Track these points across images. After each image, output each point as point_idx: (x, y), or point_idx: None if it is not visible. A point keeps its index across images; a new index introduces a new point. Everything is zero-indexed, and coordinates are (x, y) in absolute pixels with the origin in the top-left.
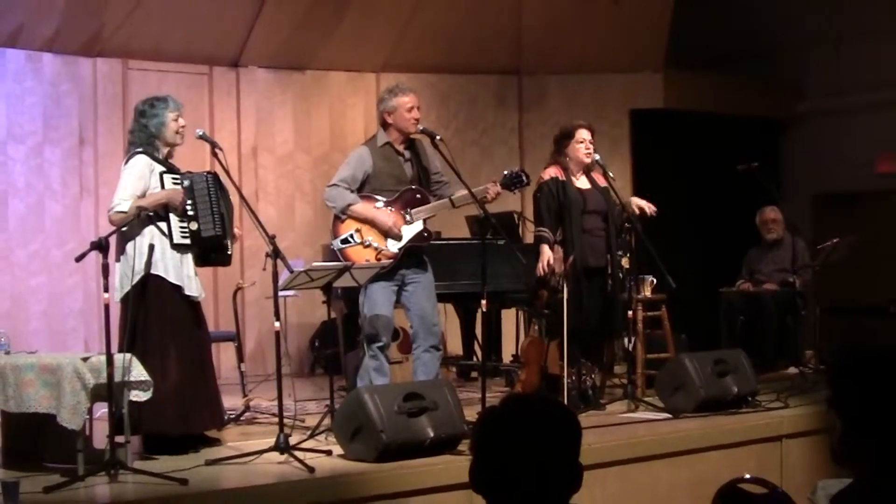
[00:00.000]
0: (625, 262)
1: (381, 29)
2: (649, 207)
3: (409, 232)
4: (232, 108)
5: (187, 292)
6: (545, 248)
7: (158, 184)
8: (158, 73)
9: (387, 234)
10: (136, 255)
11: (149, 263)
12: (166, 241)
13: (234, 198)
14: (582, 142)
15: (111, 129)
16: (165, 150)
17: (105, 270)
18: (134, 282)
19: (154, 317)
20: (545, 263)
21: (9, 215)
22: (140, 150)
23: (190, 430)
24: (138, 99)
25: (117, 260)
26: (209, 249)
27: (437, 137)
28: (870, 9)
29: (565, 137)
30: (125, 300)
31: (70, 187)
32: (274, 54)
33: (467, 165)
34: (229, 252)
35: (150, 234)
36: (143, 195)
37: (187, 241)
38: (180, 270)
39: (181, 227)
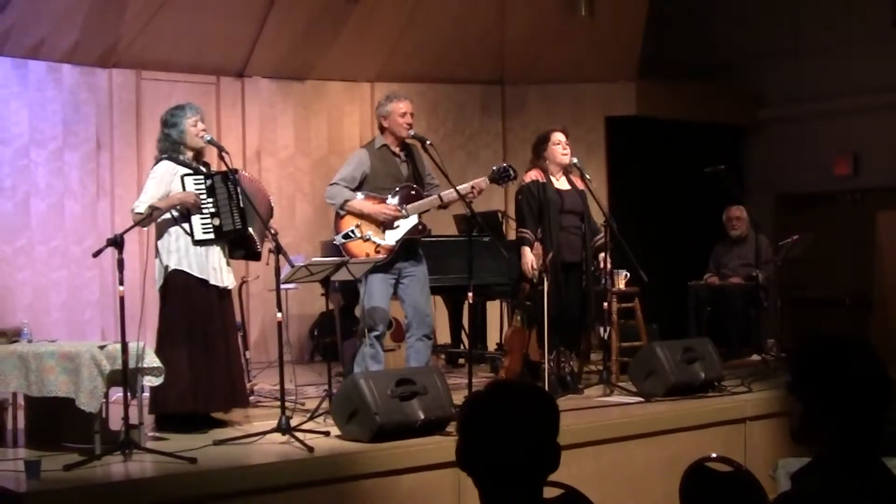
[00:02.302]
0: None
1: (375, 42)
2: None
3: (405, 225)
4: (237, 115)
5: (213, 282)
6: (526, 251)
7: (180, 186)
8: (169, 82)
9: (384, 223)
10: (165, 253)
11: (167, 269)
12: (189, 239)
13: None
14: (558, 143)
15: (126, 135)
16: (191, 154)
17: (120, 265)
18: (164, 277)
19: (182, 307)
20: (529, 265)
21: (31, 214)
22: (165, 156)
23: (215, 408)
24: (150, 106)
25: (156, 256)
26: (235, 244)
27: (428, 142)
28: (826, 24)
29: (542, 143)
30: (160, 291)
31: (88, 188)
32: (276, 66)
33: (455, 168)
34: (259, 249)
35: (175, 233)
36: (166, 197)
37: (210, 236)
38: (204, 264)
39: (203, 224)
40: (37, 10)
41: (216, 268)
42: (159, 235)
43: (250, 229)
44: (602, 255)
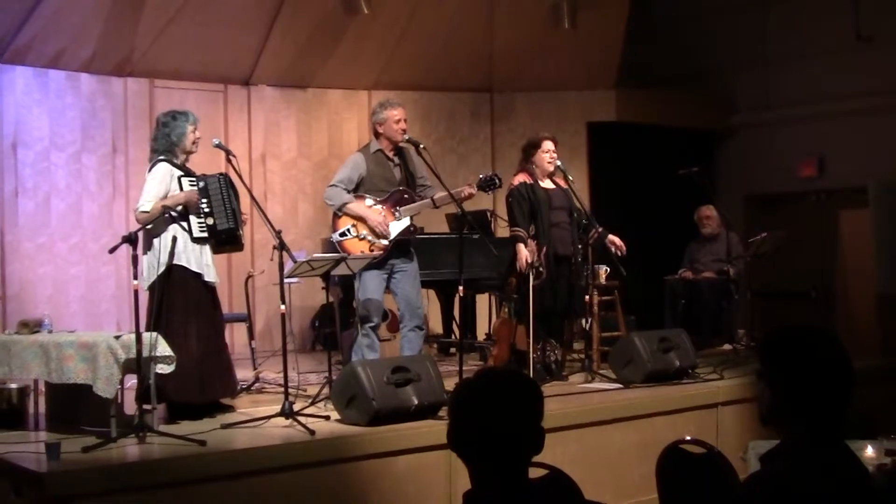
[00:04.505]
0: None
1: (372, 53)
2: (621, 248)
3: (398, 226)
4: (244, 120)
5: (206, 279)
6: (521, 248)
7: (177, 187)
8: (180, 90)
9: (376, 230)
10: (162, 249)
11: (172, 254)
12: (187, 236)
13: (245, 197)
14: (547, 152)
15: (140, 140)
16: (183, 157)
17: (134, 261)
18: (160, 272)
19: (179, 300)
20: (523, 261)
21: (51, 213)
22: (162, 157)
23: (209, 398)
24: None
25: (144, 253)
26: (224, 241)
27: (421, 146)
28: (792, 36)
29: (533, 147)
30: (152, 288)
31: (104, 189)
32: (280, 75)
33: (447, 170)
34: (242, 238)
35: (172, 230)
36: (165, 197)
37: (205, 235)
38: (200, 260)
39: (199, 223)
40: (57, 23)
41: (208, 265)
42: (156, 233)
43: (239, 233)
44: (610, 237)
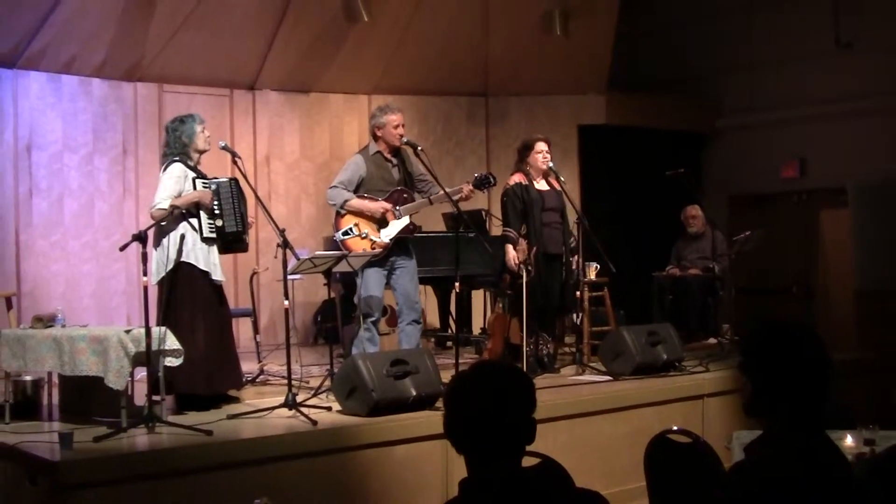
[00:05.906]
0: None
1: (371, 59)
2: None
3: (398, 225)
4: (249, 124)
5: (213, 277)
6: (509, 248)
7: (192, 188)
8: (188, 95)
9: (381, 220)
10: (171, 246)
11: (180, 251)
12: (197, 235)
13: (250, 197)
14: (540, 152)
15: (149, 142)
16: (196, 157)
17: (144, 258)
18: (169, 268)
19: (186, 297)
20: (512, 260)
21: (64, 212)
22: (176, 158)
23: (216, 390)
24: (171, 116)
25: (154, 249)
26: (231, 242)
27: (419, 148)
28: (775, 42)
29: (527, 149)
30: (161, 283)
31: (115, 189)
32: (284, 79)
33: (444, 171)
34: (247, 241)
35: (183, 229)
36: (179, 196)
37: (214, 235)
38: (208, 259)
39: (209, 224)
40: (69, 31)
41: (216, 263)
42: (166, 230)
43: (245, 235)
44: (574, 256)
